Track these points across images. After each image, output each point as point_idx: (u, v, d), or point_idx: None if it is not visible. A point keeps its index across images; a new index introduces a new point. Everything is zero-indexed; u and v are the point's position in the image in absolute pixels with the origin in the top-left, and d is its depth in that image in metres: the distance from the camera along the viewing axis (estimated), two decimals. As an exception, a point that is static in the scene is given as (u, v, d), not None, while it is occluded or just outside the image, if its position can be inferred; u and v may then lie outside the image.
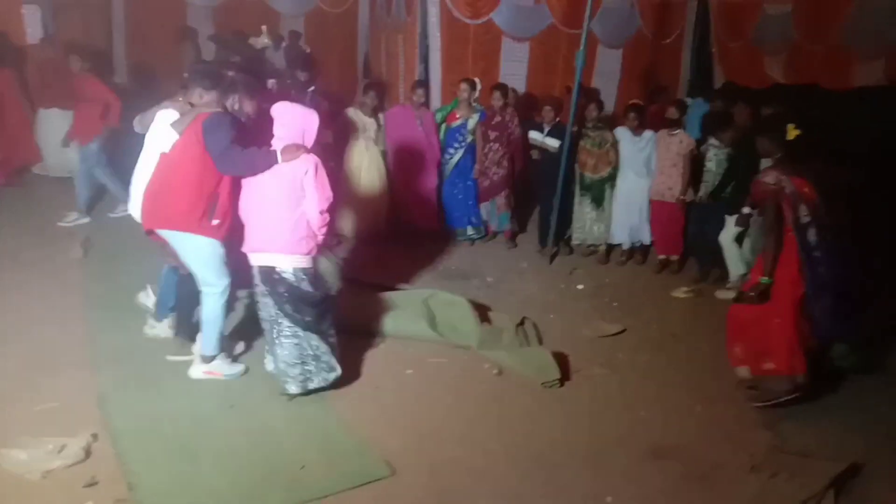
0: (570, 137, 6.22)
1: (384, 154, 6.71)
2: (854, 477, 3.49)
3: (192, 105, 3.88)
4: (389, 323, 4.77)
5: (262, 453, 3.48)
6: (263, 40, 8.51)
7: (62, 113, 7.53)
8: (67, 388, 3.87)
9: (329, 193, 3.69)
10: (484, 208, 7.05)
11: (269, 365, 4.00)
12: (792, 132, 3.95)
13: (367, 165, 6.59)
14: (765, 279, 3.97)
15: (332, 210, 3.82)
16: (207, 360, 4.04)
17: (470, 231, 6.98)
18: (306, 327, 3.76)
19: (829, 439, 3.91)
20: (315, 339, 3.82)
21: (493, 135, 6.74)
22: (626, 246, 6.73)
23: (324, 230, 3.75)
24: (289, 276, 3.68)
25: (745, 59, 9.24)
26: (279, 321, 3.75)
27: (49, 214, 6.74)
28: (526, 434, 3.83)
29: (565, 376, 4.38)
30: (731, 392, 4.39)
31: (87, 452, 3.32)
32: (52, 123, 7.56)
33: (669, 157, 6.27)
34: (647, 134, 6.40)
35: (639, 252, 6.76)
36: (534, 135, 6.68)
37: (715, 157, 6.11)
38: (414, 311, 4.84)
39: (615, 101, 9.32)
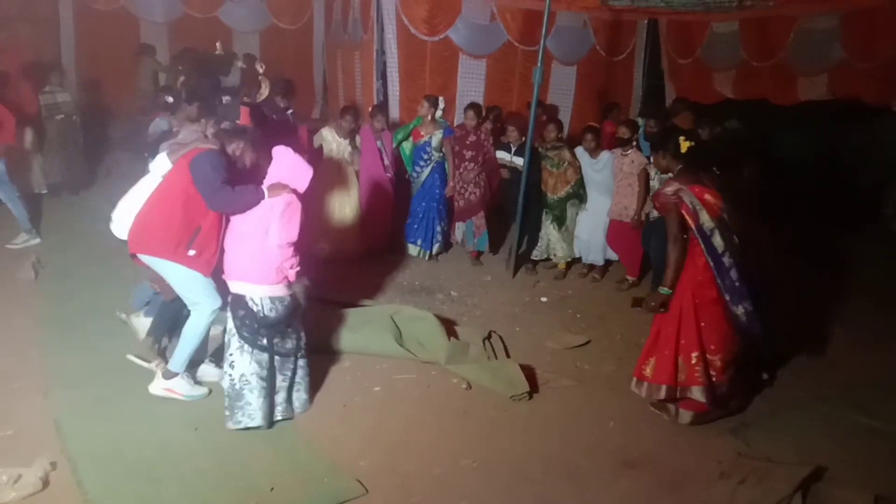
0: (530, 154, 6.28)
1: (357, 174, 6.65)
2: (818, 480, 3.56)
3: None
4: (355, 340, 4.73)
5: (229, 476, 3.39)
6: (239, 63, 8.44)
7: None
8: (22, 414, 3.71)
9: (294, 233, 3.74)
10: (459, 228, 7.02)
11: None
12: (684, 144, 4.03)
13: (339, 186, 6.53)
14: (664, 289, 3.99)
15: (300, 246, 3.83)
16: (170, 375, 3.97)
17: (411, 249, 6.94)
18: (260, 348, 3.74)
19: (792, 443, 4.02)
20: (256, 369, 3.74)
21: (468, 154, 6.68)
22: (586, 260, 6.78)
23: (289, 263, 3.77)
24: (257, 303, 3.72)
25: (695, 75, 9.55)
26: (231, 341, 3.75)
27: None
28: (498, 448, 3.82)
29: (533, 389, 4.39)
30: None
31: (45, 482, 3.17)
32: None
33: (624, 177, 6.31)
34: (604, 155, 6.43)
35: (598, 269, 6.79)
36: (501, 154, 6.72)
37: (657, 175, 6.14)
38: (380, 327, 4.81)
39: (570, 116, 9.52)
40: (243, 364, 3.72)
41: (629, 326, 5.65)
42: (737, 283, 3.90)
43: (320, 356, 4.59)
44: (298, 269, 3.84)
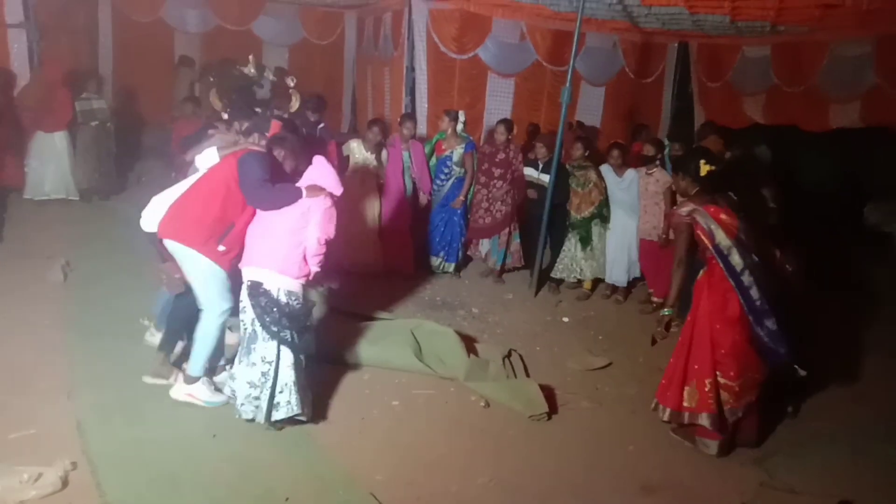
0: (556, 173, 6.27)
1: (382, 188, 6.63)
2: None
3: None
4: (375, 353, 4.72)
5: (246, 484, 3.39)
6: (253, 72, 8.55)
7: (45, 136, 7.58)
8: (45, 414, 3.75)
9: (330, 232, 3.85)
10: (484, 244, 7.00)
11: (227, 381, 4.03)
12: (704, 168, 4.03)
13: (361, 199, 6.55)
14: (666, 311, 3.97)
15: (330, 247, 3.91)
16: (191, 380, 4.00)
17: (435, 262, 6.91)
18: (282, 341, 3.74)
19: (817, 474, 3.93)
20: (286, 366, 3.76)
21: (497, 171, 6.64)
22: (609, 280, 6.71)
23: (317, 260, 3.86)
24: (273, 292, 3.76)
25: (724, 99, 9.49)
26: (254, 332, 3.76)
27: (29, 237, 6.63)
28: (515, 467, 3.78)
29: (552, 410, 4.35)
30: (719, 426, 4.40)
31: (65, 482, 3.19)
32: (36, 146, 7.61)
33: (650, 196, 6.31)
34: (630, 174, 6.43)
35: (621, 290, 6.74)
36: (529, 171, 6.70)
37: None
38: (400, 341, 4.80)
39: (597, 137, 9.50)
40: (271, 353, 3.73)
41: (652, 350, 5.56)
42: (758, 302, 3.86)
43: (339, 368, 4.61)
44: (319, 270, 3.90)
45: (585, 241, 6.56)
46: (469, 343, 5.06)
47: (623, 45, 9.38)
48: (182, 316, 4.20)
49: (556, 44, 8.68)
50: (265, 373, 3.73)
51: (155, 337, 4.51)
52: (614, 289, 6.78)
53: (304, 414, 3.82)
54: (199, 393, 4.02)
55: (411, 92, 8.47)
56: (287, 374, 3.76)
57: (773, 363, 3.95)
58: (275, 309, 3.73)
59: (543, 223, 6.40)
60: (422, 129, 8.37)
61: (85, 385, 4.11)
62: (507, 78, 8.87)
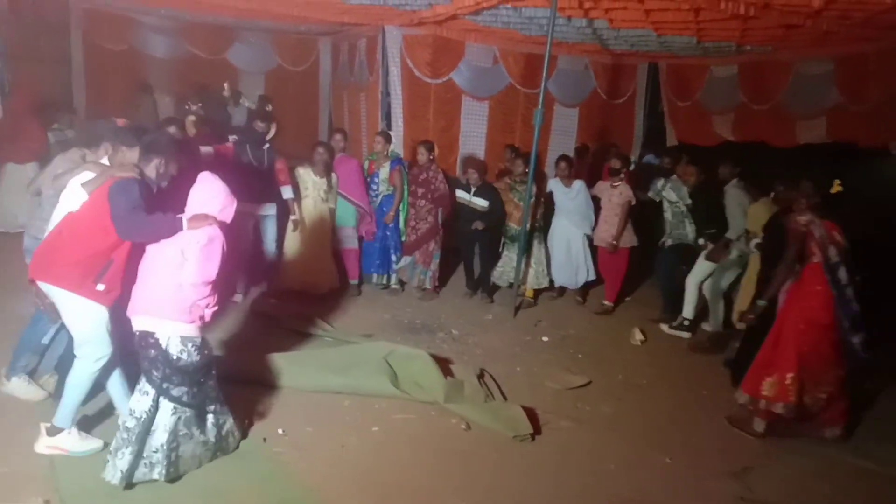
0: (530, 193, 6.45)
1: (333, 212, 6.68)
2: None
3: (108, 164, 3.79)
4: (350, 383, 4.69)
5: (224, 517, 3.35)
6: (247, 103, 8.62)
7: (16, 167, 7.51)
8: (16, 452, 3.67)
9: (212, 271, 3.45)
10: (406, 261, 7.12)
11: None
12: (836, 187, 4.46)
13: (314, 222, 6.56)
14: (761, 301, 4.47)
15: (217, 285, 3.55)
16: (53, 432, 3.65)
17: (374, 279, 7.06)
18: (171, 399, 3.48)
19: (793, 487, 3.97)
20: (162, 426, 3.47)
21: (420, 191, 6.95)
22: (570, 287, 7.21)
23: (205, 303, 3.51)
24: (164, 342, 3.46)
25: (694, 117, 9.65)
26: (140, 383, 3.50)
27: (2, 270, 6.54)
28: (497, 490, 3.78)
29: (536, 430, 4.35)
30: (697, 443, 4.45)
31: (37, 521, 3.14)
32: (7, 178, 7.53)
33: (611, 207, 6.77)
34: (577, 184, 6.91)
35: (579, 291, 7.21)
36: (461, 194, 6.96)
37: (670, 209, 6.59)
38: (374, 370, 4.78)
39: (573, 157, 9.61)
40: (142, 407, 3.45)
41: (630, 367, 5.64)
42: (858, 315, 4.33)
43: (317, 395, 4.59)
44: (216, 309, 3.59)
45: (524, 249, 6.81)
46: (444, 365, 5.06)
47: (594, 66, 9.54)
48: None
49: (528, 67, 8.81)
50: (130, 429, 3.44)
51: (8, 386, 4.18)
52: (561, 291, 7.30)
53: (164, 477, 3.48)
54: (66, 444, 3.67)
55: (387, 116, 8.53)
56: (160, 436, 3.46)
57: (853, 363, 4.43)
58: (159, 364, 3.43)
59: (521, 241, 6.55)
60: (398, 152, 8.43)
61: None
62: (482, 101, 8.97)
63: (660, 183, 6.78)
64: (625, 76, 9.87)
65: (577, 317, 6.84)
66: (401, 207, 6.95)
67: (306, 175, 6.54)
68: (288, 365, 4.82)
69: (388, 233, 6.97)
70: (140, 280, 3.52)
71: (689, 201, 6.47)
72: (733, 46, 7.63)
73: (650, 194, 6.85)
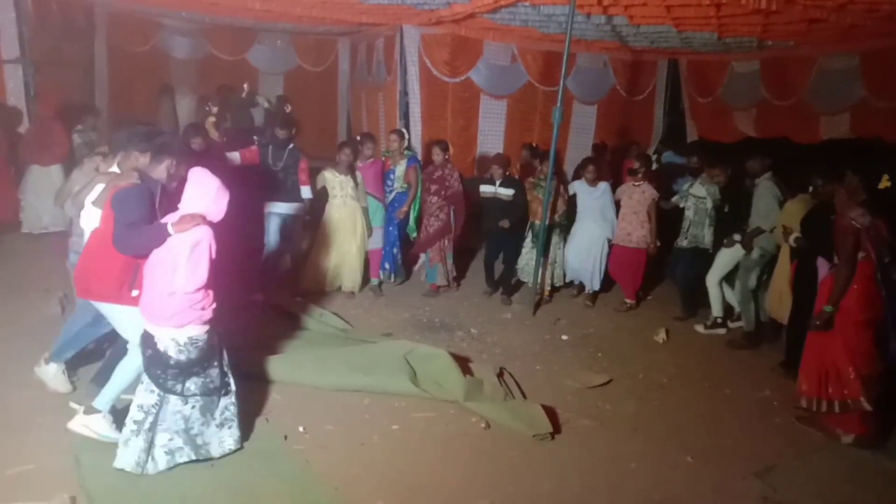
0: (549, 190, 6.42)
1: (366, 210, 6.71)
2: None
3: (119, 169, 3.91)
4: (371, 382, 4.71)
5: (245, 514, 3.38)
6: (263, 102, 8.71)
7: (41, 170, 7.62)
8: (43, 449, 3.73)
9: (200, 278, 3.46)
10: (422, 259, 7.25)
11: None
12: (885, 182, 4.32)
13: (343, 222, 6.61)
14: (828, 308, 4.35)
15: (213, 284, 3.59)
16: (90, 411, 3.82)
17: (381, 274, 7.04)
18: (169, 391, 3.57)
19: (819, 488, 3.91)
20: (173, 413, 3.61)
21: (433, 188, 6.96)
22: (575, 282, 7.22)
23: (200, 305, 3.54)
24: (163, 346, 3.53)
25: (715, 114, 9.57)
26: (143, 376, 3.63)
27: (25, 270, 6.64)
28: (516, 489, 3.76)
29: (555, 429, 4.33)
30: (720, 442, 4.40)
31: (64, 517, 3.18)
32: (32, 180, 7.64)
33: (631, 206, 6.77)
34: (602, 185, 6.90)
35: (589, 295, 7.13)
36: (485, 188, 6.98)
37: (693, 206, 6.53)
38: (394, 370, 4.78)
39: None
40: (149, 401, 3.57)
41: (651, 366, 5.60)
42: None
43: (338, 394, 4.61)
44: (214, 306, 3.62)
45: (542, 248, 6.83)
46: (463, 364, 5.06)
47: (613, 63, 9.49)
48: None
49: (546, 65, 8.78)
50: (138, 422, 3.55)
51: (44, 371, 4.33)
52: (580, 290, 7.25)
53: (194, 458, 3.65)
54: (98, 426, 3.80)
55: (405, 116, 8.55)
56: (177, 423, 3.61)
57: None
58: (159, 363, 3.53)
59: (540, 240, 6.56)
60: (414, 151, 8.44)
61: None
62: (500, 99, 8.96)
63: (686, 184, 6.76)
64: (644, 73, 9.81)
65: (597, 315, 6.80)
66: (413, 206, 7.01)
67: (331, 176, 6.57)
68: (308, 363, 4.86)
69: (391, 228, 7.02)
70: (143, 285, 3.62)
71: (718, 197, 6.42)
72: (755, 42, 7.55)
73: (674, 200, 6.81)
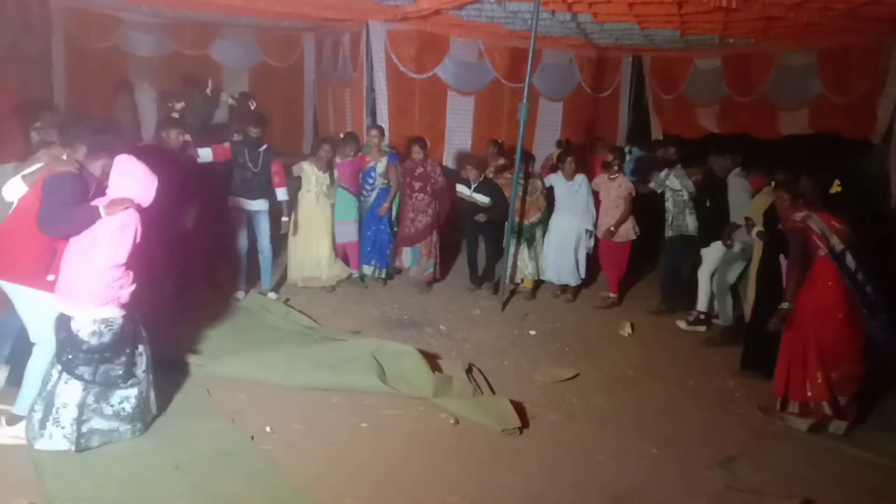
0: (515, 188, 6.50)
1: (333, 207, 6.75)
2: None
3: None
4: (339, 380, 4.69)
5: (212, 516, 3.33)
6: (228, 99, 8.57)
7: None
8: (2, 455, 3.64)
9: (121, 255, 3.54)
10: (407, 253, 7.32)
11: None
12: (836, 188, 4.55)
13: (315, 217, 6.64)
14: (785, 305, 4.43)
15: (133, 266, 3.67)
16: (14, 421, 3.75)
17: (365, 269, 7.09)
18: (76, 378, 3.62)
19: (781, 475, 4.01)
20: (72, 398, 3.63)
21: (417, 185, 7.00)
22: (555, 282, 7.18)
23: (118, 284, 3.60)
24: (76, 326, 3.57)
25: (679, 110, 9.70)
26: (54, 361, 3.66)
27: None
28: (486, 484, 3.78)
29: (524, 424, 4.36)
30: (685, 433, 4.48)
31: (23, 524, 3.11)
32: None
33: (611, 199, 6.84)
34: (579, 178, 6.93)
35: (570, 290, 7.16)
36: (461, 189, 6.98)
37: (672, 198, 6.65)
38: (363, 367, 4.77)
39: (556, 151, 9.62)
40: (60, 387, 3.61)
41: (618, 359, 5.67)
42: (873, 297, 4.36)
43: (306, 392, 4.58)
44: (133, 288, 3.69)
45: (530, 243, 7.04)
46: (432, 360, 5.07)
47: (579, 60, 9.55)
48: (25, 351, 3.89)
49: (513, 61, 8.81)
50: (41, 395, 3.64)
51: None
52: (564, 288, 7.21)
53: (73, 448, 3.64)
54: (24, 432, 3.72)
55: (372, 112, 8.51)
56: (71, 411, 3.62)
57: (887, 353, 4.48)
58: (71, 346, 3.56)
59: (506, 235, 6.59)
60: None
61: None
62: (467, 96, 8.97)
63: (662, 173, 6.78)
64: (609, 70, 9.89)
65: (564, 311, 6.86)
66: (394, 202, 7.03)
67: (310, 170, 6.61)
68: (275, 362, 4.81)
69: (382, 226, 7.02)
70: (61, 265, 3.61)
71: (692, 190, 6.47)
72: (717, 39, 7.67)
73: (651, 185, 6.87)
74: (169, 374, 4.63)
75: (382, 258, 7.10)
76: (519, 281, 7.20)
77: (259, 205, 6.31)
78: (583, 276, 7.11)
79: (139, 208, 3.63)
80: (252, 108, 9.40)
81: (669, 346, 6.09)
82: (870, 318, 4.39)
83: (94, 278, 3.53)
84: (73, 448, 3.62)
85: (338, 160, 6.80)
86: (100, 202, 3.55)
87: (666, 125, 9.96)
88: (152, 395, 4.00)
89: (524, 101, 6.15)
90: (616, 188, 6.82)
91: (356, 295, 6.82)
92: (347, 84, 9.06)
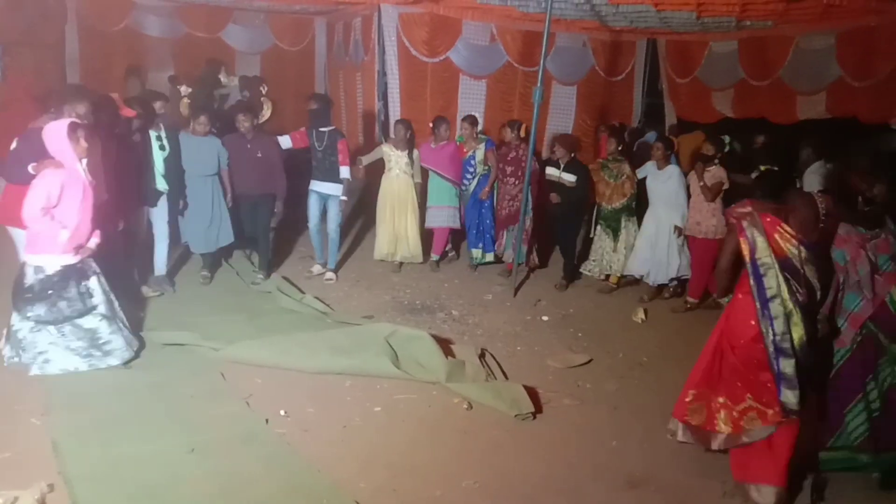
0: (529, 174, 6.43)
1: (419, 186, 7.09)
2: (823, 489, 3.60)
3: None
4: (351, 365, 4.70)
5: (226, 499, 3.35)
6: (226, 81, 8.54)
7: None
8: (20, 437, 3.68)
9: (29, 208, 4.09)
10: (505, 237, 7.23)
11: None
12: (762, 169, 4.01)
13: (396, 195, 7.00)
14: (721, 299, 4.04)
15: (76, 220, 4.28)
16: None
17: (475, 253, 7.28)
18: (23, 317, 4.30)
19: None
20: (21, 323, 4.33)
21: (508, 169, 7.01)
22: (646, 279, 6.73)
23: (49, 235, 4.19)
24: (24, 272, 4.29)
25: (694, 94, 9.59)
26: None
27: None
28: (500, 469, 3.79)
29: (537, 409, 4.36)
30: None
31: (42, 504, 3.15)
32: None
33: (700, 194, 6.21)
34: (670, 169, 6.46)
35: (668, 289, 6.82)
36: (550, 171, 6.89)
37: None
38: (376, 352, 4.78)
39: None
40: (21, 325, 4.33)
41: (631, 345, 5.65)
42: (777, 338, 3.38)
43: (319, 376, 4.60)
44: (71, 240, 4.26)
45: (615, 231, 6.75)
46: (445, 345, 5.06)
47: (593, 43, 9.45)
48: None
49: (526, 45, 8.72)
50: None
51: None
52: (659, 290, 6.80)
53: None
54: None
55: (384, 96, 8.47)
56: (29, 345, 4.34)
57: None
58: (18, 286, 4.27)
59: (521, 217, 6.52)
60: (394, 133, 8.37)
61: (60, 404, 4.04)
62: (479, 80, 8.89)
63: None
64: (623, 53, 9.78)
65: (577, 296, 6.82)
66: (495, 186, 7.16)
67: (388, 150, 6.97)
68: (289, 347, 4.83)
69: (484, 210, 7.16)
70: None
71: None
72: (733, 22, 7.56)
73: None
74: (184, 358, 4.67)
75: (488, 241, 7.21)
76: (589, 272, 7.00)
77: (327, 188, 6.52)
78: (675, 275, 6.60)
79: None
80: (263, 92, 9.39)
81: (683, 331, 6.05)
82: (773, 358, 3.41)
83: (29, 229, 4.22)
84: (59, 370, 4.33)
85: (431, 145, 7.08)
86: (36, 162, 4.27)
87: (681, 109, 9.86)
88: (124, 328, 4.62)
89: (539, 84, 6.08)
90: (709, 179, 6.12)
91: (368, 280, 6.83)
92: (359, 68, 9.01)
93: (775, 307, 3.39)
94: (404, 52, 8.27)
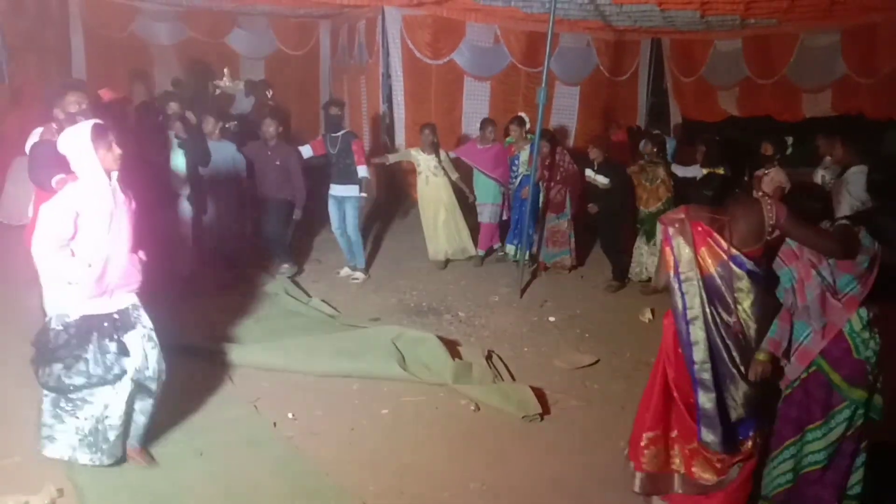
0: (535, 174, 6.42)
1: (453, 184, 7.23)
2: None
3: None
4: (360, 368, 4.71)
5: (237, 502, 3.37)
6: (227, 84, 8.55)
7: (22, 160, 7.47)
8: (31, 442, 3.69)
9: (39, 237, 3.11)
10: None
11: None
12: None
13: (429, 196, 7.23)
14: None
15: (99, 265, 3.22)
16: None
17: (509, 248, 7.43)
18: (38, 381, 3.32)
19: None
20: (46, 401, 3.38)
21: (546, 174, 7.10)
22: None
23: (63, 275, 3.18)
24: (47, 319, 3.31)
25: (698, 93, 9.59)
26: None
27: (7, 263, 6.53)
28: (506, 471, 3.78)
29: (545, 410, 4.35)
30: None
31: (52, 509, 3.16)
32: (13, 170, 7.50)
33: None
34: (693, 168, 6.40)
35: None
36: (588, 173, 6.91)
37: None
38: (383, 354, 4.79)
39: (574, 136, 9.57)
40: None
41: (638, 345, 5.63)
42: (695, 366, 3.04)
43: (326, 379, 4.60)
44: (96, 289, 3.19)
45: (650, 234, 6.73)
46: (452, 347, 5.06)
47: (596, 43, 9.45)
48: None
49: (530, 45, 8.74)
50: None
51: None
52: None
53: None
54: None
55: (388, 99, 8.49)
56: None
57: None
58: (38, 342, 3.28)
59: (527, 213, 6.63)
60: (399, 136, 8.39)
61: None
62: (483, 81, 8.92)
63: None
64: (627, 53, 9.78)
65: (583, 296, 6.81)
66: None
67: (417, 154, 7.20)
68: (296, 350, 4.84)
69: (524, 209, 7.16)
70: None
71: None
72: (738, 20, 7.55)
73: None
74: (191, 361, 4.69)
75: (524, 240, 7.11)
76: (634, 277, 6.98)
77: (343, 190, 6.60)
78: None
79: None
80: (269, 96, 9.42)
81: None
82: (693, 389, 3.09)
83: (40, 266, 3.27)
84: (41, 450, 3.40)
85: (478, 146, 7.27)
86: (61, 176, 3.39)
87: (685, 108, 9.86)
88: (135, 420, 3.50)
89: (543, 85, 6.08)
90: (767, 183, 5.86)
91: (375, 283, 6.84)
92: (363, 71, 9.04)
93: (695, 331, 3.01)
94: (408, 55, 8.29)
